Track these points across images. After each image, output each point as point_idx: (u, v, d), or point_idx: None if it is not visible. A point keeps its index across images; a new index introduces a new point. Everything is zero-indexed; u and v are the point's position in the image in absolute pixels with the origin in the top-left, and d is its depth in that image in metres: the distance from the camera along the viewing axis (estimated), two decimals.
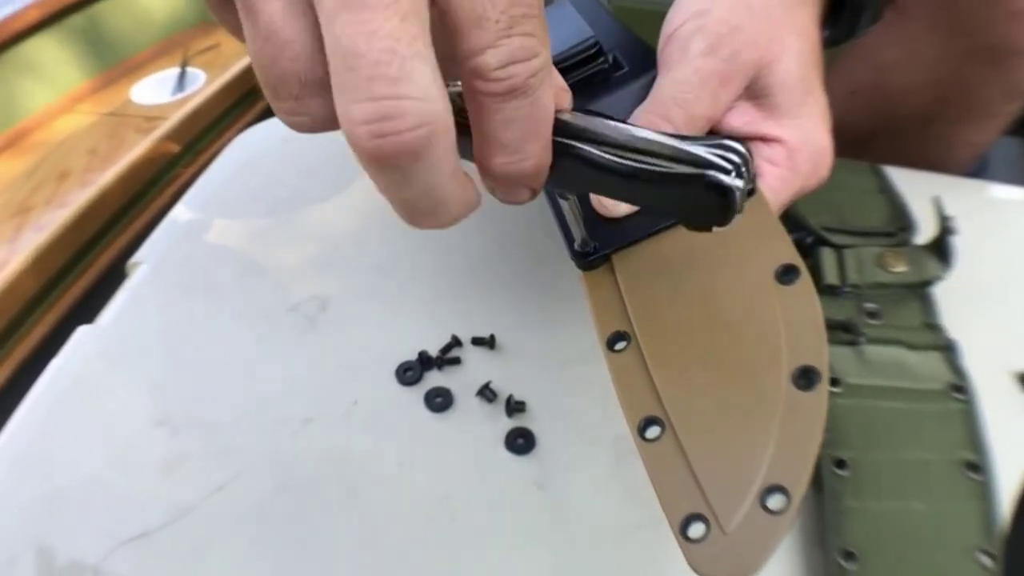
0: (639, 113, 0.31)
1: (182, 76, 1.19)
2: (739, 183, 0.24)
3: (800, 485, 0.23)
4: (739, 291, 0.28)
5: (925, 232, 0.46)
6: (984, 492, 0.35)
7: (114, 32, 1.21)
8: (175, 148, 0.91)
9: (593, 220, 0.32)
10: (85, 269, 0.84)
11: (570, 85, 0.36)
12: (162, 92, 1.17)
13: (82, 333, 0.47)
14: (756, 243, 0.29)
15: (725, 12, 0.32)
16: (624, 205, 0.31)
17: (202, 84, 1.16)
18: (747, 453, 0.24)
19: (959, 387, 0.39)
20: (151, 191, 0.91)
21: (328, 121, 0.21)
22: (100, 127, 1.08)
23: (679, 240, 0.31)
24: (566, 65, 0.36)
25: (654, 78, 0.34)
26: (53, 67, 1.11)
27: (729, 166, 0.24)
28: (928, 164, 0.65)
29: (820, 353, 0.25)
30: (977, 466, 0.36)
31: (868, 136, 0.70)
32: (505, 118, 0.23)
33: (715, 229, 0.26)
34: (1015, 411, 0.41)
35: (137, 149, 0.93)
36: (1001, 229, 0.53)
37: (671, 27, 0.33)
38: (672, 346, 0.28)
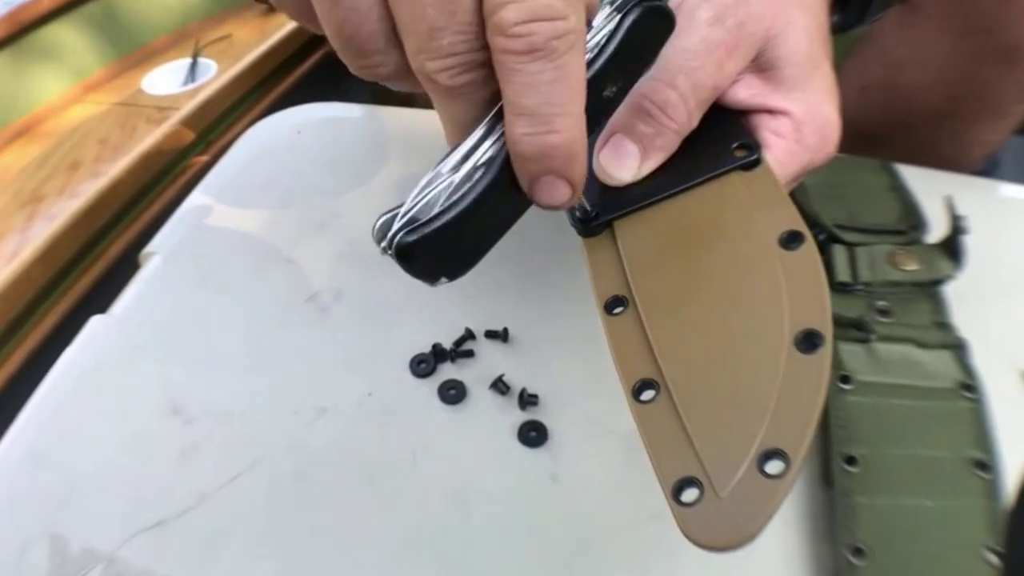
0: (643, 81, 0.31)
1: (193, 66, 1.19)
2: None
3: (800, 449, 0.22)
4: (741, 256, 0.28)
5: (936, 230, 0.46)
6: (992, 491, 0.35)
7: (126, 21, 1.21)
8: (186, 139, 0.91)
9: (595, 187, 0.32)
10: (96, 258, 0.84)
11: None
12: (173, 82, 1.18)
13: (96, 322, 0.48)
14: (760, 210, 0.29)
15: None
16: (628, 173, 0.31)
17: (213, 74, 1.16)
18: (745, 416, 0.23)
19: (969, 386, 0.39)
20: (162, 181, 0.92)
21: (401, 69, 0.24)
22: (111, 116, 1.08)
23: (682, 206, 0.31)
24: None
25: None
26: (66, 56, 1.12)
27: None
28: (940, 161, 0.64)
29: (823, 316, 0.24)
30: (986, 464, 0.36)
31: (880, 133, 0.70)
32: (526, 81, 0.22)
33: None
34: (1021, 409, 0.41)
35: (148, 139, 0.94)
36: (1012, 228, 0.53)
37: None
38: (671, 310, 0.27)
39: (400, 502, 0.38)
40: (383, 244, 0.26)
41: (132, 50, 1.19)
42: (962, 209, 0.45)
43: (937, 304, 0.44)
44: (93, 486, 0.40)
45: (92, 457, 0.41)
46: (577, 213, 0.31)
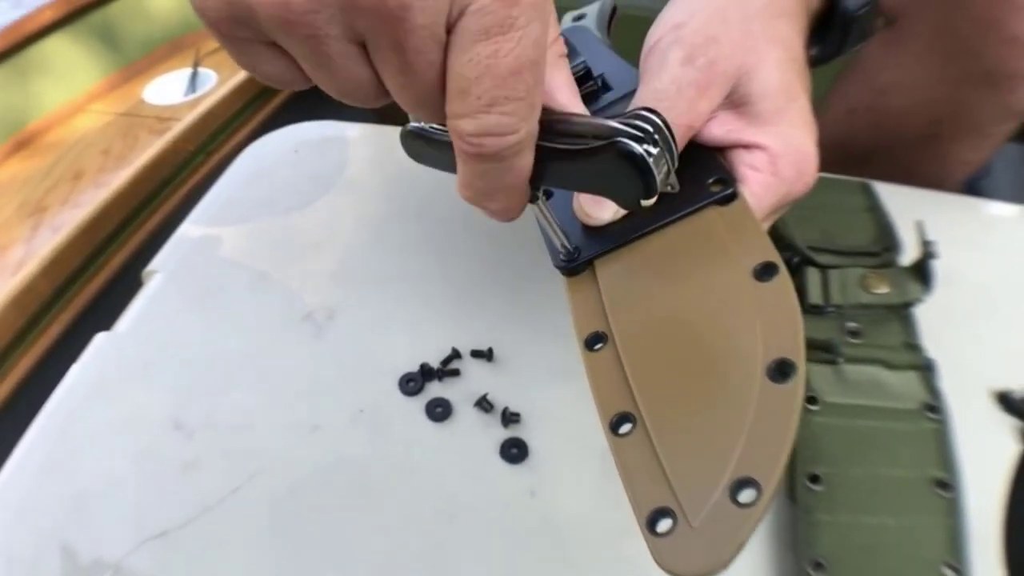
0: None
1: (194, 76, 1.21)
2: (651, 148, 0.26)
3: (772, 478, 0.22)
4: (716, 289, 0.28)
5: (916, 249, 0.48)
6: (952, 509, 0.37)
7: (127, 32, 1.23)
8: (188, 149, 0.93)
9: (576, 228, 0.33)
10: (100, 269, 0.86)
11: None
12: (174, 92, 1.19)
13: (101, 339, 0.50)
14: (735, 243, 0.29)
15: (702, 24, 0.33)
16: (606, 213, 0.32)
17: (214, 84, 1.18)
18: (718, 446, 0.23)
19: (933, 407, 0.41)
20: (164, 191, 0.94)
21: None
22: (113, 127, 1.10)
23: (660, 243, 0.31)
24: None
25: None
26: (67, 67, 1.13)
27: (640, 133, 0.26)
28: (924, 180, 0.66)
29: (796, 346, 0.25)
30: (946, 484, 0.38)
31: (866, 153, 0.72)
32: (477, 170, 0.26)
33: (644, 203, 0.27)
34: (992, 428, 0.43)
35: (151, 150, 0.96)
36: (990, 247, 0.54)
37: (651, 40, 0.34)
38: (647, 344, 0.28)
39: (389, 516, 0.40)
40: None
41: (133, 60, 1.21)
42: (940, 228, 0.47)
43: (907, 325, 0.45)
44: (101, 498, 0.42)
45: (99, 470, 0.43)
46: (560, 254, 0.32)
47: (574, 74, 0.38)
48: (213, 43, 1.26)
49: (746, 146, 0.33)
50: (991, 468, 0.40)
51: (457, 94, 0.24)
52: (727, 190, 0.31)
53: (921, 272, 0.45)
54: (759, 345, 0.25)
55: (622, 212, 0.32)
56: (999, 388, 0.45)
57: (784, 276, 0.27)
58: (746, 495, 0.22)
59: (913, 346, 0.44)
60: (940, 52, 0.63)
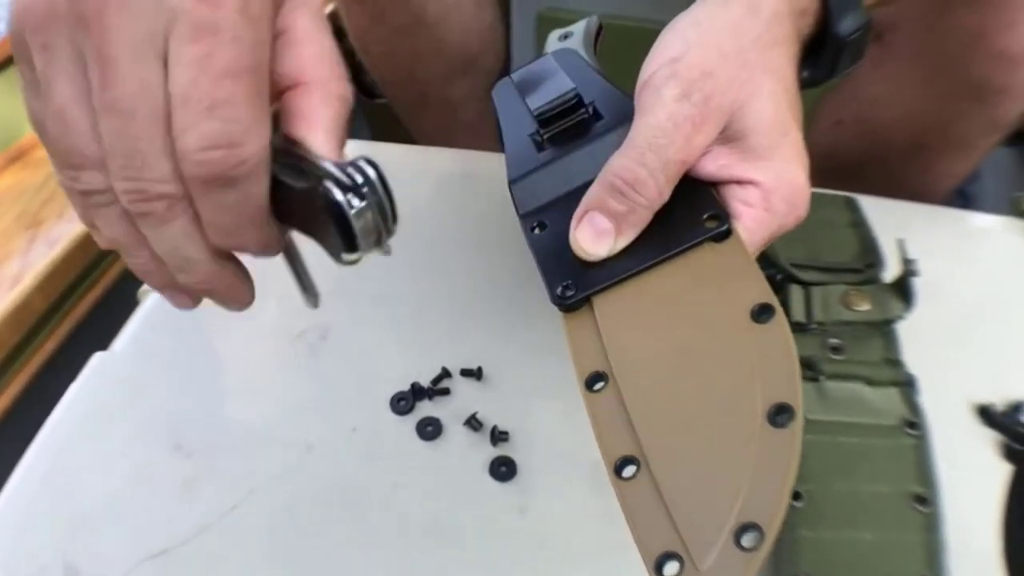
0: (614, 159, 0.32)
1: None
2: (354, 200, 0.25)
3: (774, 522, 0.23)
4: (714, 331, 0.29)
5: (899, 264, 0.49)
6: (930, 524, 0.38)
7: None
8: None
9: (572, 264, 0.33)
10: (94, 284, 0.87)
11: (553, 135, 0.38)
12: None
13: (98, 359, 0.50)
14: (731, 283, 0.30)
15: (697, 58, 0.33)
16: (602, 248, 0.32)
17: None
18: (722, 491, 0.24)
19: (912, 423, 0.42)
20: None
21: (100, 191, 0.26)
22: None
23: (656, 280, 0.31)
24: (549, 115, 0.38)
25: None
26: None
27: (348, 182, 0.25)
28: (910, 191, 0.67)
29: (794, 391, 0.26)
30: (925, 499, 0.39)
31: (853, 165, 0.72)
32: (216, 204, 0.25)
33: (345, 258, 0.27)
34: (973, 442, 0.44)
35: None
36: (971, 259, 0.55)
37: (646, 74, 0.34)
38: (648, 386, 0.28)
39: (382, 534, 0.41)
40: None
41: None
42: (926, 240, 0.48)
43: (889, 342, 0.46)
44: (102, 517, 0.42)
45: (100, 489, 0.43)
46: (557, 291, 0.32)
47: (564, 103, 0.38)
48: None
49: (739, 181, 0.33)
50: (971, 482, 0.41)
51: (179, 104, 0.23)
52: (722, 226, 0.31)
53: (903, 290, 0.46)
54: (758, 389, 0.26)
55: (619, 247, 0.32)
56: (980, 402, 0.46)
57: (780, 318, 0.28)
58: (749, 539, 0.23)
59: (894, 362, 0.45)
60: (927, 66, 0.64)
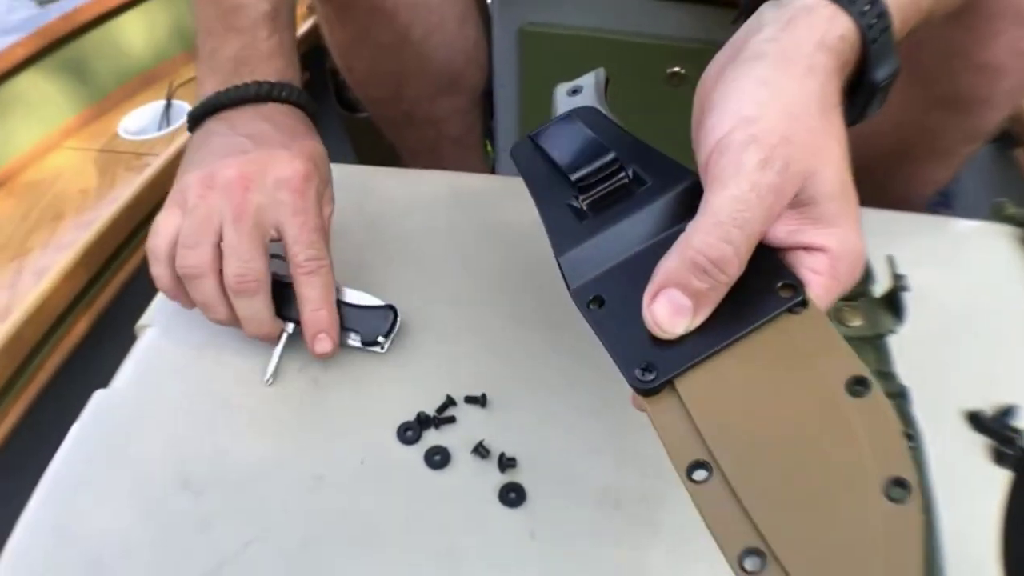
0: (694, 234, 0.31)
1: (167, 109, 1.20)
2: None
3: None
4: (811, 408, 0.28)
5: (888, 277, 0.50)
6: (926, 531, 0.39)
7: (99, 66, 1.22)
8: (166, 187, 0.94)
9: (643, 340, 0.31)
10: (84, 312, 0.87)
11: (593, 200, 0.37)
12: (149, 126, 1.19)
13: (100, 397, 0.50)
14: (820, 356, 0.29)
15: (774, 122, 0.31)
16: (679, 326, 0.31)
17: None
18: (855, 573, 0.24)
19: (907, 435, 0.43)
20: (143, 231, 0.94)
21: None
22: (90, 164, 1.09)
23: (740, 356, 0.30)
24: (588, 182, 0.37)
25: (685, 190, 0.35)
26: (40, 104, 1.13)
27: None
28: (893, 197, 0.69)
29: (908, 464, 0.25)
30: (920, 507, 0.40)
31: None
32: (310, 282, 0.48)
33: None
34: (963, 448, 0.45)
35: (128, 189, 0.96)
36: (955, 265, 0.57)
37: (717, 134, 0.32)
38: (757, 471, 0.27)
39: (395, 564, 0.41)
40: None
41: (107, 94, 1.20)
42: (910, 249, 0.49)
43: (881, 354, 0.48)
44: (117, 560, 0.42)
45: (113, 532, 0.43)
46: (636, 374, 0.31)
47: (605, 167, 0.37)
48: (187, 74, 1.26)
49: (807, 247, 0.33)
50: (965, 488, 0.43)
51: (290, 245, 0.49)
52: (797, 297, 0.31)
53: (893, 304, 0.47)
54: (870, 464, 0.26)
55: (696, 324, 0.31)
56: (970, 408, 0.47)
57: (877, 390, 0.28)
58: None
59: (886, 374, 0.46)
60: (910, 77, 0.65)
